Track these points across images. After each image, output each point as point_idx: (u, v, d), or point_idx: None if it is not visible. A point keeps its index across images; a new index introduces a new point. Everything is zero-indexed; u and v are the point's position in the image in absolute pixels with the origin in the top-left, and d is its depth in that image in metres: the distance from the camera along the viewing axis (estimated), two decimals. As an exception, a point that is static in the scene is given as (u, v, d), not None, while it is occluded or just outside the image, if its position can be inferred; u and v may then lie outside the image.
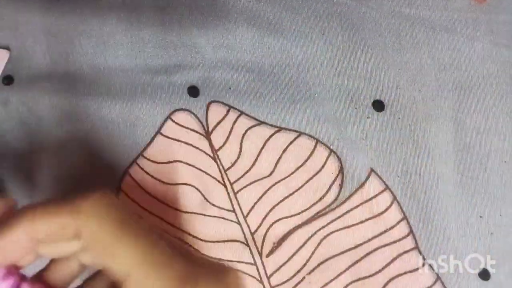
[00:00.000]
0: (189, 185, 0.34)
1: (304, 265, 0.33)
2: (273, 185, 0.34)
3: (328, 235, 0.34)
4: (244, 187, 0.34)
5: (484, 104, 0.34)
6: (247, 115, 0.34)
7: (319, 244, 0.34)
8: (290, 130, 0.34)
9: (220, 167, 0.34)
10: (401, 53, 0.35)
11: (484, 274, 0.33)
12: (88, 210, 0.21)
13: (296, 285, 0.33)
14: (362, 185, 0.34)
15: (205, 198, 0.34)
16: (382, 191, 0.34)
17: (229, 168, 0.34)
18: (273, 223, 0.34)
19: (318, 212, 0.34)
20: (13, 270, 0.22)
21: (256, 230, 0.34)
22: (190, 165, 0.34)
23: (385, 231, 0.34)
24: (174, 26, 0.35)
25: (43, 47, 0.35)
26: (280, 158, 0.34)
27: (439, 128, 0.34)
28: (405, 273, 0.33)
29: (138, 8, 0.35)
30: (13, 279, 0.22)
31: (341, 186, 0.34)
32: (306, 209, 0.34)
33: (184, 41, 0.35)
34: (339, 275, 0.33)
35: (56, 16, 0.34)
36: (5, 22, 0.35)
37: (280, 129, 0.34)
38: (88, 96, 0.34)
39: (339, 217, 0.34)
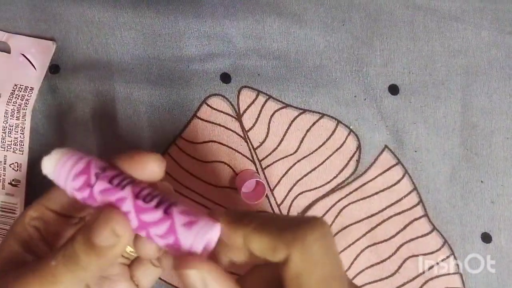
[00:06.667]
0: (222, 162, 0.36)
1: (326, 232, 0.36)
2: (297, 161, 0.36)
3: (346, 206, 0.36)
4: (271, 163, 0.36)
5: (489, 87, 0.36)
6: (274, 98, 0.36)
7: (338, 214, 0.36)
8: (313, 112, 0.36)
9: (250, 146, 0.36)
10: (414, 42, 0.36)
11: (486, 237, 0.36)
12: (308, 245, 0.19)
13: (319, 250, 0.36)
14: (376, 160, 0.36)
15: (236, 174, 0.36)
16: (395, 165, 0.36)
17: (258, 147, 0.36)
18: (297, 196, 0.36)
19: (337, 185, 0.36)
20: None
21: (282, 202, 0.36)
22: (223, 144, 0.35)
23: (397, 201, 0.36)
24: (207, 18, 0.35)
25: (86, 38, 0.35)
26: (304, 137, 0.36)
27: (448, 109, 0.36)
28: (416, 238, 0.36)
29: (175, 2, 0.35)
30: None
31: (358, 161, 0.36)
32: (327, 183, 0.36)
33: (217, 31, 0.35)
34: (357, 240, 0.36)
35: (98, 9, 0.35)
36: (50, 15, 0.35)
37: (304, 111, 0.36)
38: (130, 83, 0.35)
39: (356, 189, 0.36)
